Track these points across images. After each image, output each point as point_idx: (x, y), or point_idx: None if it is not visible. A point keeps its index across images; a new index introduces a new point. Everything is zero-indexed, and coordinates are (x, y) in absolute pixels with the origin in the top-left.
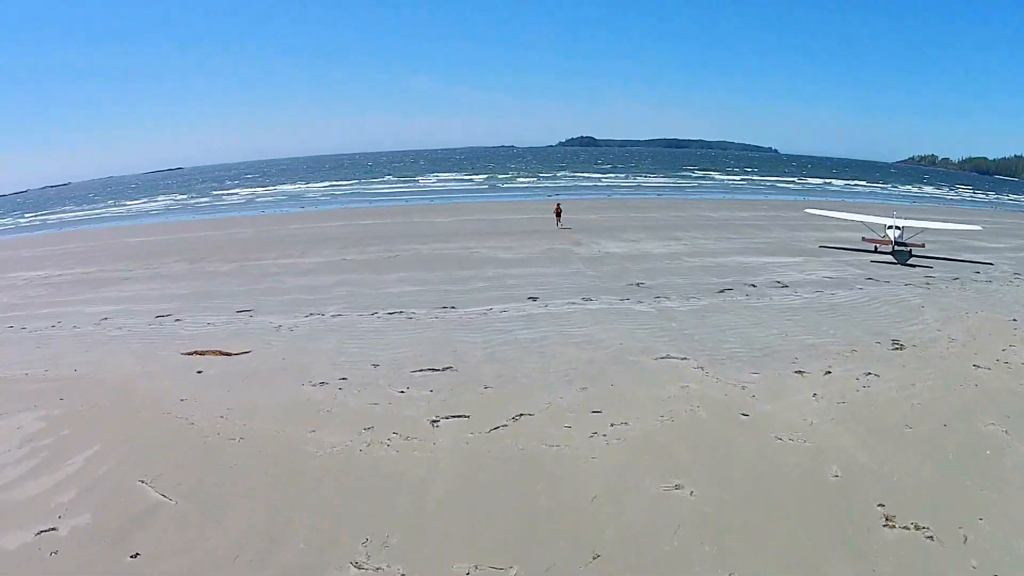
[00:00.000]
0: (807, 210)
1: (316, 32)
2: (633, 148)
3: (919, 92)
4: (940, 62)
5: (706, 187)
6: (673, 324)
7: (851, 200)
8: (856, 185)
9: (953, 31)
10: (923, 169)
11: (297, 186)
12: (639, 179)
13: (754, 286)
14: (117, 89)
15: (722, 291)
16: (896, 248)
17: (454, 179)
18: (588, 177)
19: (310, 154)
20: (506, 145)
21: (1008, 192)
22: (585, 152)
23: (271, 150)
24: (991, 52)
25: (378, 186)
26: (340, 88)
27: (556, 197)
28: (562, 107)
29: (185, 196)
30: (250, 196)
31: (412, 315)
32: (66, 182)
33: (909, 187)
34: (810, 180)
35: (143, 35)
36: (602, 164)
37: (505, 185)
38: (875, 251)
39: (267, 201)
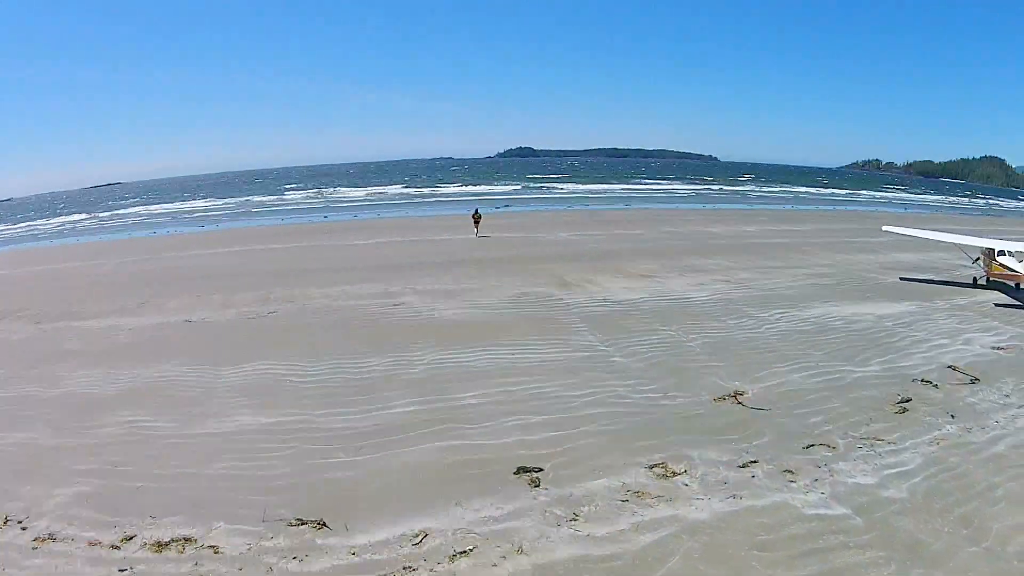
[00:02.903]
0: (885, 228)
1: (248, 44)
2: (572, 158)
3: (857, 99)
4: (878, 68)
5: (677, 196)
6: None
7: (850, 209)
8: (831, 193)
9: (892, 37)
10: (875, 174)
11: (206, 202)
12: (589, 187)
13: (935, 385)
14: (61, 104)
15: (902, 408)
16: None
17: (383, 191)
18: (538, 187)
19: (248, 168)
20: (444, 157)
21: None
22: (525, 162)
23: (215, 164)
24: (929, 57)
25: (296, 200)
26: (275, 102)
27: (506, 210)
28: (499, 118)
29: (87, 216)
30: (147, 215)
31: None
32: (8, 198)
33: (883, 193)
34: (772, 188)
35: (93, 51)
36: (536, 175)
37: (442, 198)
38: (974, 284)
39: (164, 220)
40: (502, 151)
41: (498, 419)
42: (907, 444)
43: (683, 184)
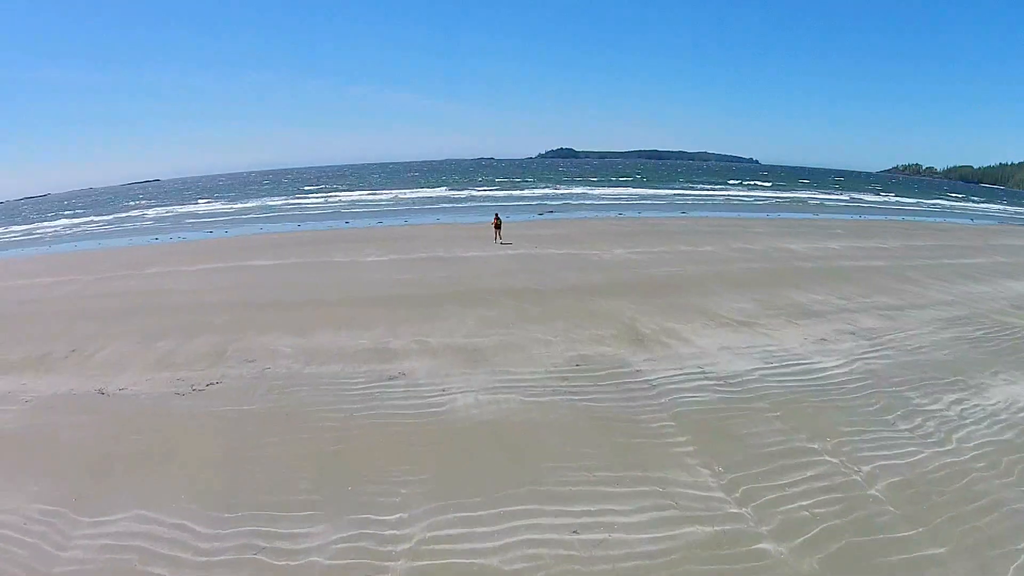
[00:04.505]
0: None
1: (287, 47)
2: (613, 160)
3: (898, 103)
4: (920, 74)
5: (735, 204)
6: None
7: (917, 219)
8: (896, 202)
9: (936, 44)
10: (917, 179)
11: (214, 205)
12: (639, 191)
13: None
14: (100, 104)
15: None
16: None
17: (413, 195)
18: (582, 192)
19: (283, 167)
20: (485, 157)
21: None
22: (565, 163)
23: (245, 163)
24: (970, 64)
25: (313, 204)
26: (312, 101)
27: (550, 217)
28: (540, 120)
29: (109, 217)
30: (169, 215)
31: None
32: (45, 193)
33: (943, 201)
34: (833, 194)
35: (124, 54)
36: (577, 177)
37: (479, 202)
38: None
39: (187, 223)
40: (544, 152)
41: None
42: None
43: (741, 190)
